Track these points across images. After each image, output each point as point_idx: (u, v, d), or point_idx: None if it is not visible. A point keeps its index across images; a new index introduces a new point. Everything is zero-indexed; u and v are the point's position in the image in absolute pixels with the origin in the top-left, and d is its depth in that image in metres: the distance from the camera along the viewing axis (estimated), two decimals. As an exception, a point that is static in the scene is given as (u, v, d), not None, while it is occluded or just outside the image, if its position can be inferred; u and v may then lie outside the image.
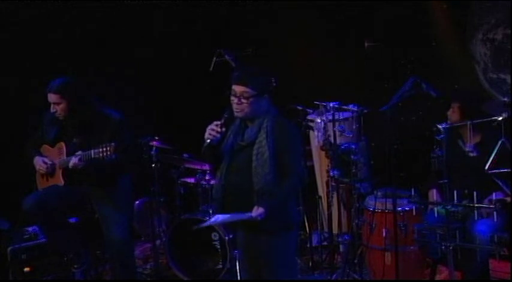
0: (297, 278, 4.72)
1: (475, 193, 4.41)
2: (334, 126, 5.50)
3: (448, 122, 4.81)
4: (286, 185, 3.98)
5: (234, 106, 4.00)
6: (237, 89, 3.98)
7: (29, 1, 6.27)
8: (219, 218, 4.02)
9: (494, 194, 4.64)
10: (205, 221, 4.23)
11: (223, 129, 4.01)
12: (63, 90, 4.89)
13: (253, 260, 4.14)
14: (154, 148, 5.87)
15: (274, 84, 4.07)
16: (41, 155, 5.10)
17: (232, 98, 3.99)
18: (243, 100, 3.97)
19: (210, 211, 5.68)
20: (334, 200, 5.67)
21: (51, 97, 4.91)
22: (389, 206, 4.99)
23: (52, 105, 4.93)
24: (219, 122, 4.00)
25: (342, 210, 5.87)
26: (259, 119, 4.02)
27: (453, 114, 4.85)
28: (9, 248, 5.42)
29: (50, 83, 4.94)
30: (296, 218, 4.27)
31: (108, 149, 4.63)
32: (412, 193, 4.89)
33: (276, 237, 4.01)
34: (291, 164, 4.00)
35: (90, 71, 6.43)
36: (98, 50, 6.62)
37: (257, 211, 3.88)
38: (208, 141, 4.00)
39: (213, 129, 3.99)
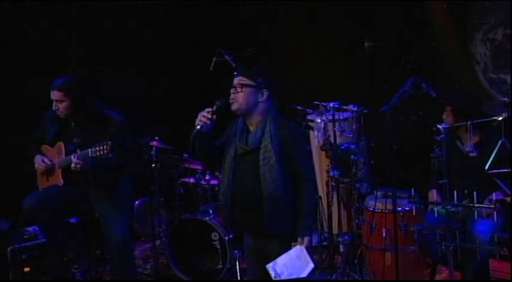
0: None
1: (475, 193, 4.40)
2: (334, 126, 5.50)
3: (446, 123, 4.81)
4: (309, 197, 3.99)
5: (231, 97, 3.99)
6: (235, 80, 3.99)
7: (30, 1, 6.28)
8: (282, 272, 3.93)
9: (494, 194, 4.64)
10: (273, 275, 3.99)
11: (214, 117, 3.98)
12: (67, 88, 4.90)
13: (263, 263, 4.09)
14: (154, 148, 5.87)
15: (275, 83, 4.06)
16: (41, 154, 5.10)
17: (231, 91, 3.99)
18: (238, 89, 3.96)
19: (210, 211, 5.70)
20: (334, 200, 5.67)
21: (55, 94, 4.90)
22: (389, 206, 4.99)
23: (54, 103, 4.92)
24: (210, 109, 3.98)
25: (342, 210, 5.87)
26: (261, 122, 3.99)
27: (447, 117, 4.86)
28: (9, 248, 5.42)
29: (54, 81, 4.93)
30: None
31: (105, 147, 4.63)
32: (412, 193, 4.89)
33: (287, 242, 4.01)
34: (302, 166, 4.00)
35: (90, 71, 6.43)
36: (98, 50, 6.62)
37: (304, 242, 3.91)
38: (198, 127, 3.97)
39: (204, 116, 3.97)
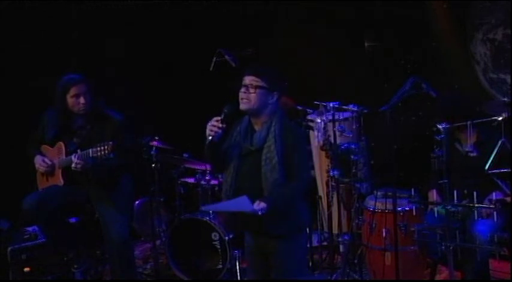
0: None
1: (475, 193, 4.41)
2: (334, 126, 5.50)
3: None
4: (292, 187, 3.94)
5: (241, 96, 3.94)
6: (247, 78, 3.94)
7: (30, 1, 6.28)
8: (222, 205, 3.98)
9: (494, 194, 4.64)
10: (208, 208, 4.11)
11: (224, 125, 3.96)
12: (89, 81, 4.94)
13: (264, 263, 4.10)
14: (154, 148, 5.87)
15: (285, 85, 4.05)
16: (41, 154, 5.10)
17: (241, 89, 3.95)
18: (250, 90, 3.92)
19: (210, 211, 5.69)
20: (334, 200, 5.67)
21: (83, 88, 4.91)
22: (389, 206, 4.99)
23: (81, 97, 4.90)
24: (219, 118, 3.95)
25: (342, 210, 5.87)
26: (267, 122, 3.98)
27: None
28: (9, 248, 5.42)
29: (75, 76, 4.95)
30: (306, 219, 4.27)
31: (106, 148, 4.63)
32: (412, 193, 4.88)
33: (287, 241, 4.00)
34: (298, 166, 3.97)
35: (90, 71, 6.43)
36: (98, 50, 6.62)
37: (259, 205, 3.82)
38: (210, 138, 3.95)
39: (213, 126, 3.94)
